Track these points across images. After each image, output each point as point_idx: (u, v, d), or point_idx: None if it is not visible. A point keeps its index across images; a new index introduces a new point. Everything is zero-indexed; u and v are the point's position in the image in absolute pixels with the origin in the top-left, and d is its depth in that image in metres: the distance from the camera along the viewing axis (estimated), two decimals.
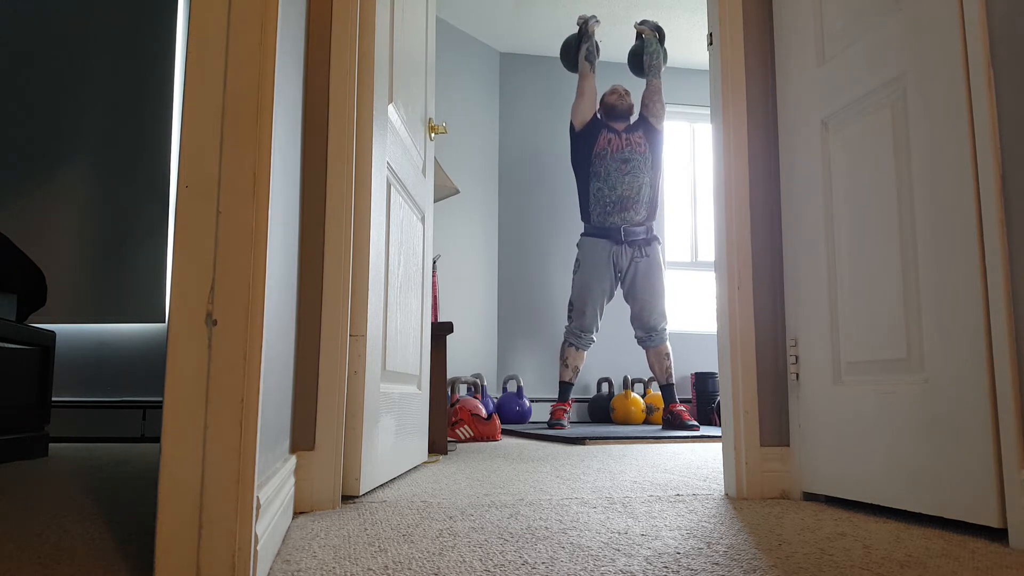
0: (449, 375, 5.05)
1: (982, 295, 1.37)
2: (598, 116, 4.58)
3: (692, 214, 6.05)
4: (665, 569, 1.11)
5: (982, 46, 1.39)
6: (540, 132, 5.88)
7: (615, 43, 5.78)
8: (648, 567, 1.12)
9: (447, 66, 5.41)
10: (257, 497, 0.99)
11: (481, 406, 3.89)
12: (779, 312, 1.95)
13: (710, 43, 2.07)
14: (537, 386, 5.59)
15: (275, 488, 1.21)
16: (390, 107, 2.09)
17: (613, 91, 4.62)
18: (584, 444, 3.51)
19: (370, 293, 1.87)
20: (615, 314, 5.39)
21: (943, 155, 1.47)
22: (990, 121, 1.37)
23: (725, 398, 1.93)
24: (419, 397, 2.45)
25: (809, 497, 1.85)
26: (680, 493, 1.89)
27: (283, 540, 1.32)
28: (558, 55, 5.96)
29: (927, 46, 1.52)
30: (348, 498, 1.80)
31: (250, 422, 0.95)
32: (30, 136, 3.88)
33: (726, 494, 1.88)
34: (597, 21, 4.60)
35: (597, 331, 4.44)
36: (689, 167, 6.11)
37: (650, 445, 3.52)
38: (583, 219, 4.60)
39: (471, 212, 5.49)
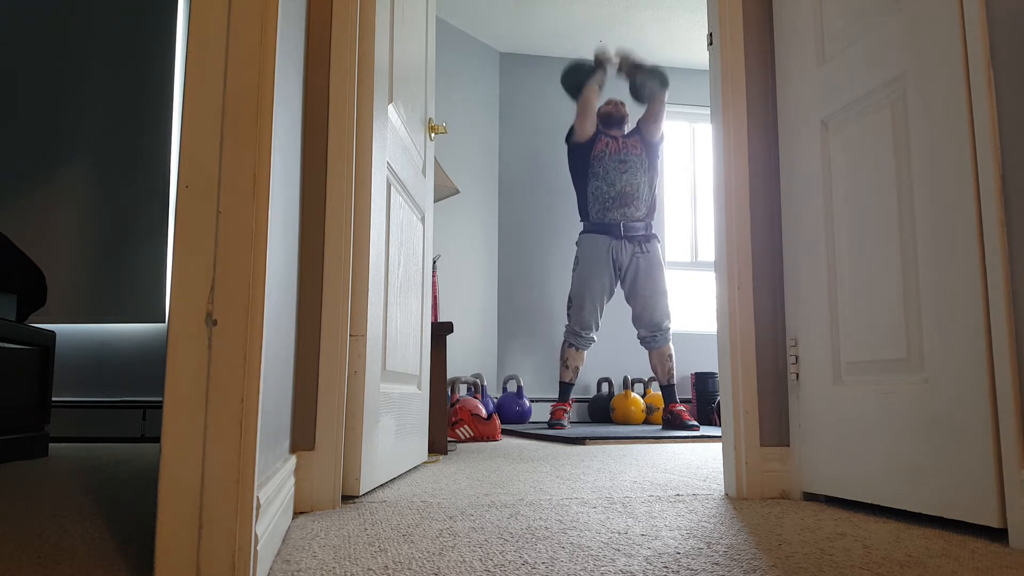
0: (449, 375, 5.05)
1: (982, 295, 1.37)
2: (597, 127, 4.60)
3: (692, 214, 6.05)
4: (665, 569, 1.11)
5: (982, 46, 1.39)
6: (540, 132, 5.88)
7: (614, 43, 5.78)
8: (648, 567, 1.12)
9: (447, 66, 5.41)
10: (257, 497, 0.99)
11: (481, 406, 3.89)
12: (779, 312, 1.95)
13: (710, 43, 2.07)
14: (537, 386, 5.59)
15: (275, 488, 1.21)
16: (390, 107, 2.09)
17: (608, 102, 4.66)
18: (584, 444, 3.51)
19: (370, 293, 1.87)
20: (615, 313, 5.39)
21: (943, 155, 1.47)
22: (990, 121, 1.37)
23: (725, 398, 1.93)
24: (419, 397, 2.45)
25: (809, 497, 1.85)
26: (680, 493, 1.89)
27: (283, 540, 1.32)
28: (558, 55, 5.96)
29: (927, 46, 1.52)
30: (348, 498, 1.80)
31: (250, 422, 0.95)
32: (30, 136, 3.89)
33: (726, 494, 1.88)
34: (612, 61, 4.57)
35: (597, 329, 4.41)
36: (689, 167, 6.11)
37: (650, 445, 3.52)
38: (582, 218, 4.60)
39: (471, 212, 5.48)
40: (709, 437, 3.72)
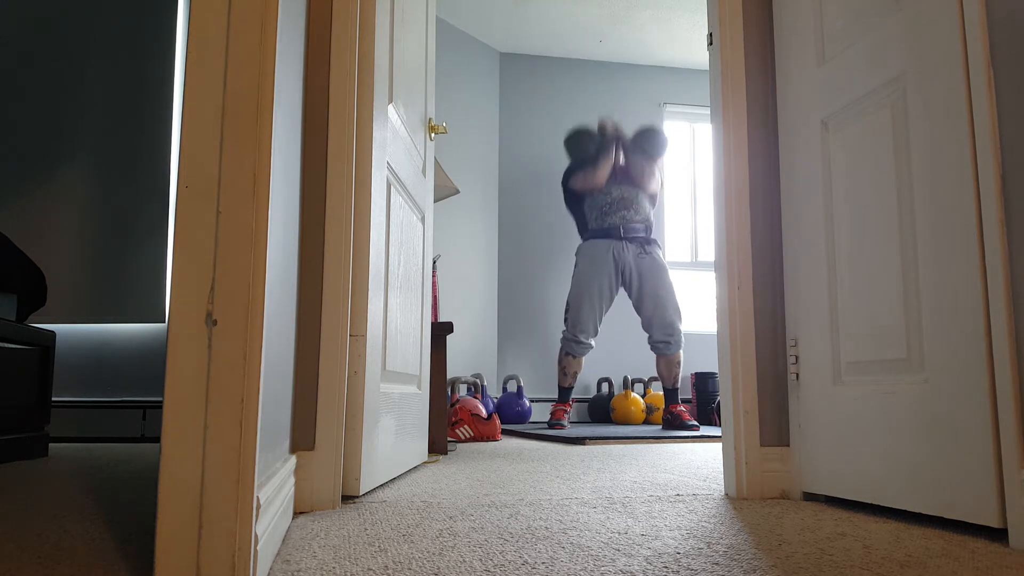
0: (449, 375, 5.05)
1: (982, 295, 1.37)
2: None
3: (692, 214, 6.05)
4: (665, 569, 1.11)
5: (982, 46, 1.39)
6: (540, 132, 5.88)
7: (614, 43, 5.78)
8: (648, 567, 1.12)
9: (447, 66, 5.41)
10: (257, 497, 0.99)
11: (481, 406, 3.89)
12: (779, 312, 1.95)
13: (710, 43, 2.07)
14: (537, 386, 5.59)
15: (275, 488, 1.21)
16: (390, 107, 2.09)
17: (602, 124, 4.64)
18: (584, 444, 3.51)
19: (370, 293, 1.87)
20: (615, 312, 5.39)
21: (943, 155, 1.47)
22: (990, 121, 1.37)
23: (725, 398, 1.93)
24: (419, 397, 2.45)
25: (809, 497, 1.85)
26: (680, 493, 1.89)
27: (283, 540, 1.32)
28: (558, 55, 5.96)
29: (927, 46, 1.52)
30: (348, 498, 1.80)
31: (250, 422, 0.95)
32: (30, 136, 3.89)
33: (726, 494, 1.88)
34: (616, 126, 4.56)
35: (595, 335, 4.33)
36: (689, 167, 6.11)
37: (650, 445, 3.52)
38: (581, 233, 4.58)
39: (471, 212, 5.48)
40: (709, 437, 3.72)
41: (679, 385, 4.38)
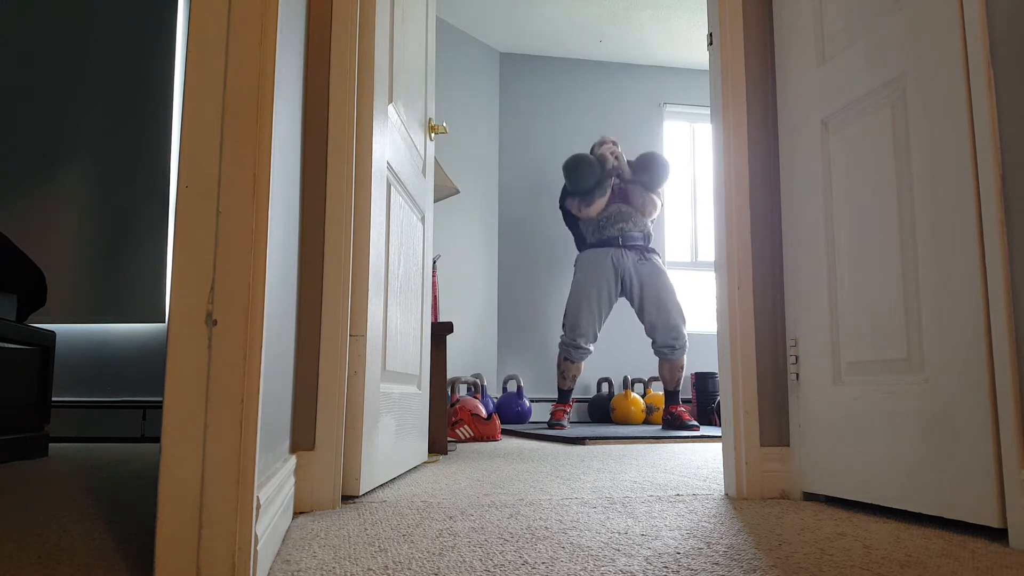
0: (449, 375, 5.05)
1: (982, 295, 1.37)
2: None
3: (692, 214, 6.05)
4: (665, 569, 1.11)
5: (982, 46, 1.39)
6: (540, 132, 5.88)
7: (614, 43, 5.78)
8: (648, 567, 1.12)
9: (447, 66, 5.41)
10: (257, 497, 0.99)
11: (481, 406, 3.89)
12: (779, 312, 1.95)
13: (710, 43, 2.07)
14: (537, 386, 5.59)
15: (275, 488, 1.21)
16: (390, 107, 2.09)
17: (601, 141, 4.62)
18: (584, 444, 3.51)
19: (370, 293, 1.87)
20: (615, 313, 5.39)
21: (943, 155, 1.47)
22: (990, 121, 1.37)
23: (725, 398, 1.93)
24: (419, 397, 2.45)
25: (809, 497, 1.85)
26: (680, 493, 1.89)
27: (283, 540, 1.32)
28: (558, 55, 5.96)
29: (927, 46, 1.52)
30: (348, 498, 1.80)
31: (250, 422, 0.96)
32: (30, 136, 3.89)
33: (726, 494, 1.88)
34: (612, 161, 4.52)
35: (594, 340, 4.32)
36: (689, 167, 6.11)
37: (650, 445, 3.52)
38: (578, 247, 4.57)
39: (471, 212, 5.48)
40: (709, 437, 3.72)
41: (680, 388, 4.38)
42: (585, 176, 4.38)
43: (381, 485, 2.03)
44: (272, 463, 1.28)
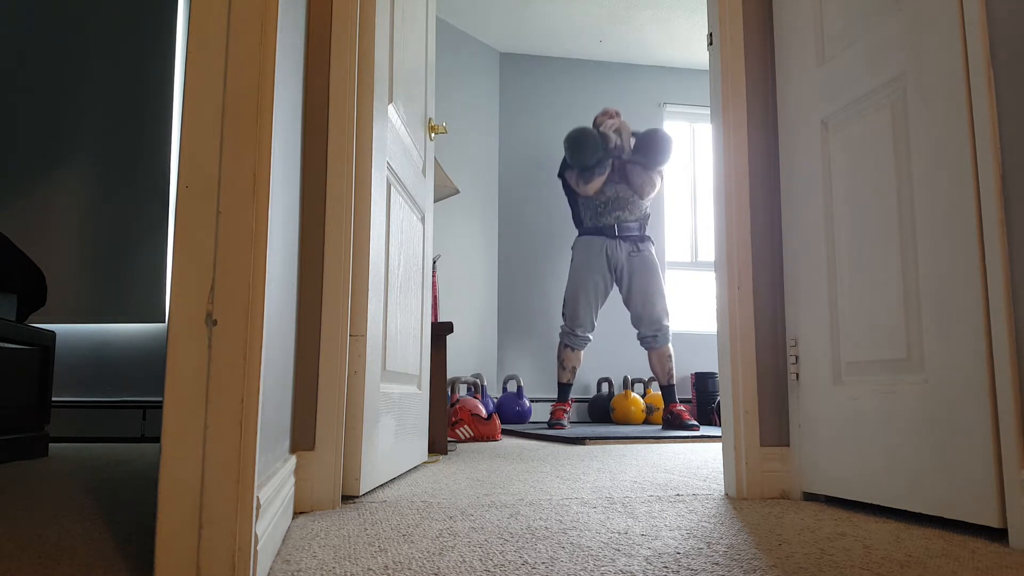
0: (449, 375, 5.05)
1: (982, 295, 1.37)
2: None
3: (692, 214, 6.05)
4: (665, 569, 1.11)
5: (982, 46, 1.39)
6: (540, 132, 5.88)
7: (614, 43, 5.78)
8: (648, 567, 1.12)
9: (447, 66, 5.41)
10: (257, 497, 0.99)
11: (481, 406, 3.89)
12: (779, 312, 1.95)
13: (710, 43, 2.07)
14: (537, 386, 5.59)
15: (275, 488, 1.21)
16: (390, 107, 2.09)
17: (604, 113, 4.63)
18: (584, 444, 3.51)
19: (370, 293, 1.87)
20: (615, 313, 5.39)
21: (943, 155, 1.47)
22: (990, 121, 1.37)
23: (725, 398, 1.93)
24: (419, 397, 2.45)
25: (809, 497, 1.85)
26: (680, 493, 1.89)
27: (283, 540, 1.32)
28: (558, 55, 5.96)
29: (927, 46, 1.52)
30: (348, 498, 1.80)
31: (250, 422, 0.95)
32: (30, 136, 3.89)
33: (726, 494, 1.88)
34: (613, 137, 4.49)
35: (592, 329, 4.42)
36: (689, 167, 6.11)
37: (650, 445, 3.52)
38: (576, 226, 4.61)
39: (471, 212, 5.48)
40: (709, 437, 3.72)
41: (675, 382, 4.40)
42: (586, 154, 4.38)
43: (381, 485, 2.03)
44: (272, 463, 1.28)
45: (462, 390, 5.17)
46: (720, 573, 1.09)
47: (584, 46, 5.82)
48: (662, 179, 4.58)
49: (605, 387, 5.64)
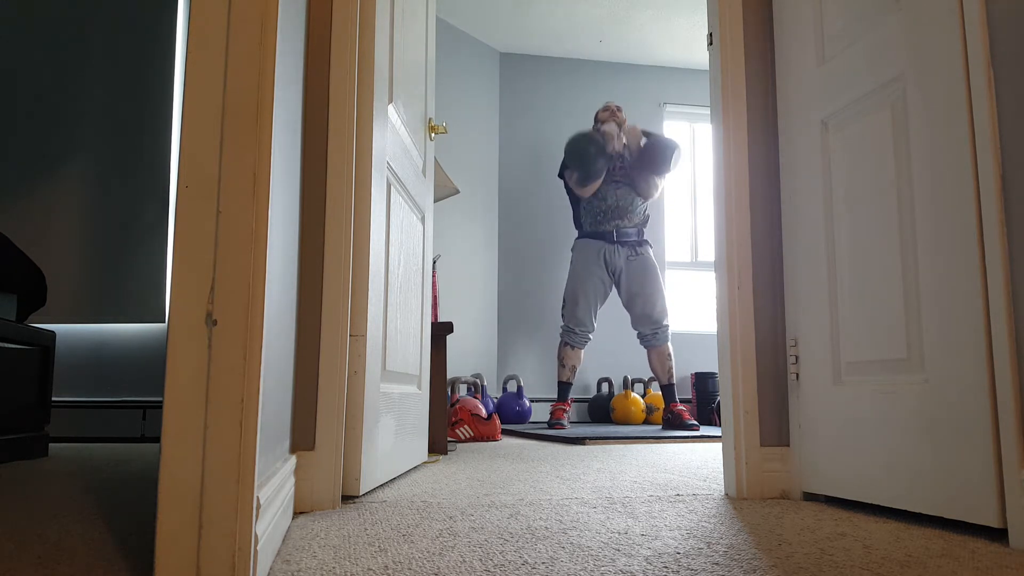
0: (449, 375, 5.05)
1: (982, 295, 1.37)
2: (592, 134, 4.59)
3: (692, 214, 6.05)
4: (665, 569, 1.11)
5: (982, 46, 1.39)
6: (540, 132, 5.88)
7: (614, 43, 5.78)
8: (648, 567, 1.12)
9: (447, 66, 5.41)
10: (257, 497, 0.99)
11: (481, 406, 3.89)
12: (779, 312, 1.95)
13: (710, 43, 2.07)
14: (537, 386, 5.59)
15: (275, 488, 1.21)
16: (390, 107, 2.09)
17: (606, 108, 4.63)
18: (584, 444, 3.51)
19: (370, 293, 1.87)
20: (615, 314, 5.39)
21: (943, 155, 1.47)
22: (990, 121, 1.37)
23: (725, 398, 1.93)
24: (419, 397, 2.45)
25: (809, 497, 1.85)
26: (680, 493, 1.89)
27: (283, 540, 1.32)
28: (558, 55, 5.96)
29: (927, 46, 1.52)
30: (348, 498, 1.80)
31: (250, 422, 0.95)
32: (30, 136, 3.88)
33: (726, 494, 1.88)
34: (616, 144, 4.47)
35: (592, 328, 4.43)
36: (689, 167, 6.11)
37: (650, 445, 3.52)
38: (576, 228, 4.62)
39: (471, 212, 5.48)
40: (709, 437, 3.72)
41: (675, 381, 4.40)
42: (585, 163, 4.37)
43: (381, 485, 2.03)
44: (272, 463, 1.28)
45: (462, 390, 5.17)
46: (720, 573, 1.09)
47: (584, 46, 5.82)
48: (664, 182, 4.60)
49: (605, 387, 5.64)
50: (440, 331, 3.08)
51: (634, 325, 4.43)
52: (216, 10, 1.01)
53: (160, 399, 3.83)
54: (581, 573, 1.08)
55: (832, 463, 1.74)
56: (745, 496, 1.84)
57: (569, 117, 5.95)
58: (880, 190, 1.64)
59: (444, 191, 3.81)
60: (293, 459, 1.61)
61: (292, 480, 1.56)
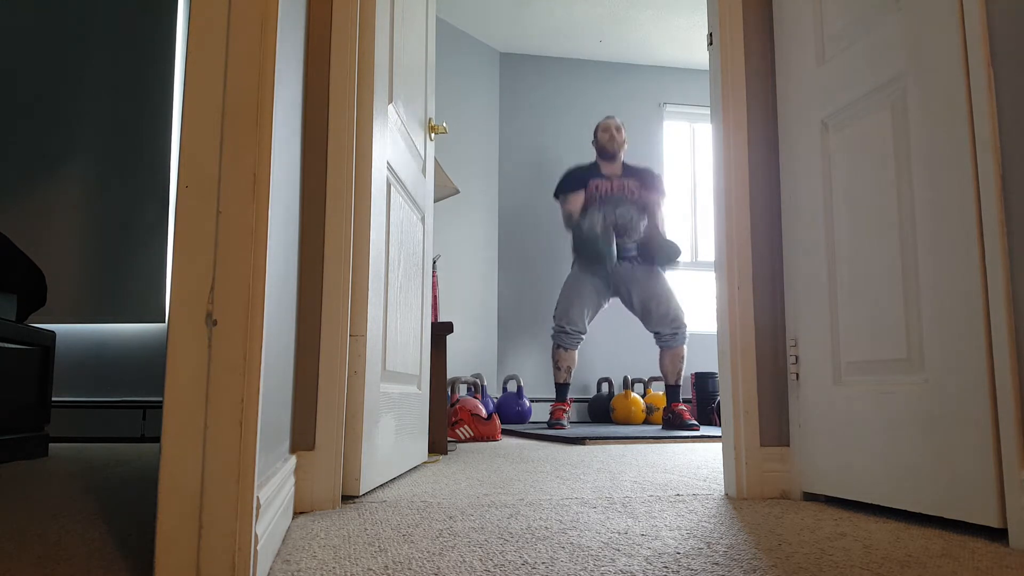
0: (449, 375, 5.05)
1: (982, 295, 1.37)
2: (589, 164, 4.61)
3: (692, 214, 6.05)
4: (665, 569, 1.11)
5: (982, 46, 1.39)
6: (540, 132, 5.88)
7: (614, 43, 5.78)
8: (648, 567, 1.12)
9: (447, 66, 5.41)
10: (257, 497, 0.99)
11: (481, 406, 3.89)
12: (779, 312, 1.95)
13: (710, 43, 2.07)
14: (537, 386, 5.59)
15: (275, 488, 1.21)
16: (390, 107, 2.09)
17: (605, 128, 4.61)
18: (584, 444, 3.50)
19: (370, 293, 1.87)
20: (615, 314, 5.38)
21: (943, 155, 1.47)
22: (990, 121, 1.37)
23: (725, 398, 1.93)
24: (419, 397, 2.45)
25: (809, 497, 1.85)
26: (680, 493, 1.89)
27: (283, 540, 1.32)
28: (558, 55, 5.96)
29: (927, 46, 1.52)
30: (348, 498, 1.80)
31: (250, 422, 0.95)
32: (30, 136, 3.88)
33: (726, 494, 1.88)
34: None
35: (584, 330, 4.39)
36: (689, 167, 6.11)
37: (650, 445, 3.52)
38: (573, 252, 4.57)
39: (471, 212, 5.48)
40: (709, 437, 3.72)
41: (682, 382, 4.40)
42: (599, 254, 4.34)
43: (381, 485, 2.03)
44: (272, 463, 1.28)
45: (462, 390, 5.17)
46: (720, 573, 1.09)
47: (584, 46, 5.82)
48: (663, 195, 4.59)
49: (605, 387, 5.64)
50: (440, 331, 3.08)
51: (652, 326, 4.37)
52: (216, 10, 1.01)
53: (160, 399, 3.83)
54: (581, 573, 1.08)
55: (832, 463, 1.74)
56: (745, 496, 1.84)
57: (569, 117, 5.94)
58: (880, 190, 1.64)
59: (444, 191, 3.81)
60: (293, 459, 1.61)
61: (292, 480, 1.56)
